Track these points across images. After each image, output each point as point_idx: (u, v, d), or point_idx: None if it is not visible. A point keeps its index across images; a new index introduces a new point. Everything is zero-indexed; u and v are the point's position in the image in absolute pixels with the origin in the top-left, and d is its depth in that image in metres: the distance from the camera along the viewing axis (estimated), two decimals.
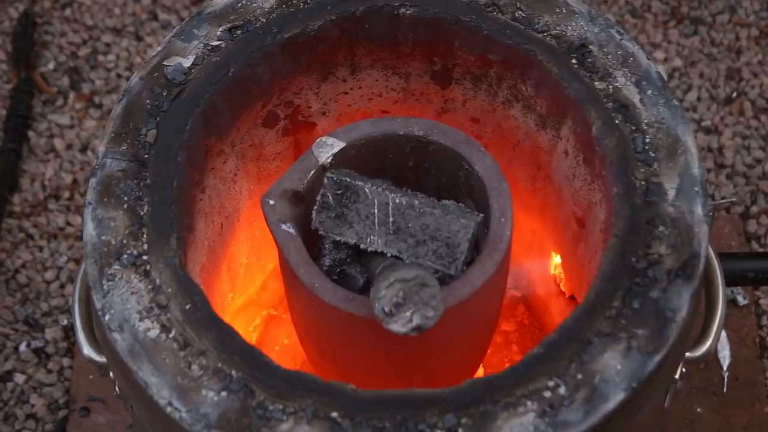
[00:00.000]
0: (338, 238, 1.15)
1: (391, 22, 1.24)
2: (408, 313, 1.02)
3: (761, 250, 1.75)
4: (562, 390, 1.02)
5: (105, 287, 1.09)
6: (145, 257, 1.10)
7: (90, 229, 1.11)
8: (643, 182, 1.12)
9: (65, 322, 1.72)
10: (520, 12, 1.22)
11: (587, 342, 1.04)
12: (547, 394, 1.02)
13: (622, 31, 1.21)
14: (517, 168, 1.30)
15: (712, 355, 1.18)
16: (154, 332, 1.06)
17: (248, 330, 1.42)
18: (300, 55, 1.24)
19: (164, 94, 1.19)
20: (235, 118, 1.23)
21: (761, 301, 1.70)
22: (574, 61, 1.19)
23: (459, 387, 1.02)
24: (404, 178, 1.24)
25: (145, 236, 1.11)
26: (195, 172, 1.18)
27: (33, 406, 1.65)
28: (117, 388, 1.15)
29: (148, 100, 1.18)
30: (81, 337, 1.16)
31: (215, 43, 1.22)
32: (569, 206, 1.25)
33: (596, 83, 1.18)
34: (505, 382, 1.02)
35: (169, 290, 1.08)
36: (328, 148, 1.17)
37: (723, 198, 1.78)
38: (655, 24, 1.98)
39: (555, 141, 1.24)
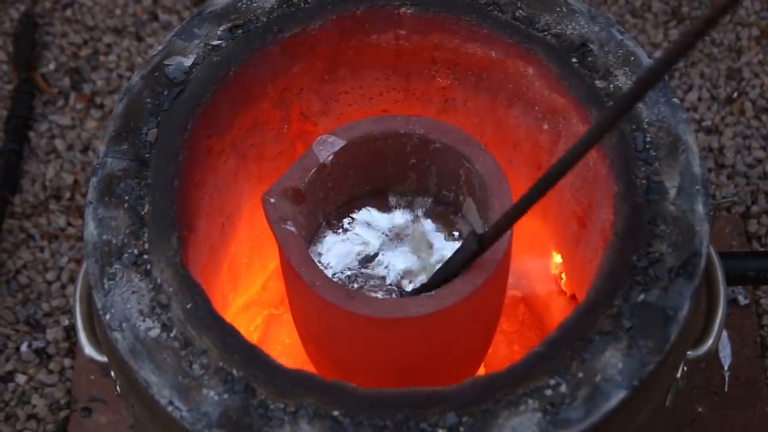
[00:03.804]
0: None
1: (391, 21, 1.24)
2: None
3: (762, 249, 1.75)
4: (563, 388, 1.02)
5: (106, 286, 1.09)
6: (146, 256, 1.10)
7: (91, 229, 1.11)
8: (644, 181, 1.12)
9: (66, 322, 1.72)
10: (520, 11, 1.22)
11: (588, 340, 1.04)
12: (549, 392, 1.02)
13: (622, 30, 1.21)
14: (517, 167, 1.30)
15: (713, 354, 1.18)
16: (155, 331, 1.06)
17: (249, 330, 1.42)
18: (301, 54, 1.24)
19: (165, 93, 1.19)
20: (236, 118, 1.23)
21: (762, 301, 1.70)
22: (574, 60, 1.19)
23: (460, 386, 1.02)
24: (405, 177, 1.25)
25: (146, 235, 1.11)
26: (196, 172, 1.18)
27: (34, 406, 1.66)
28: (118, 388, 1.15)
29: (149, 100, 1.18)
30: (82, 336, 1.16)
31: (216, 42, 1.22)
32: (570, 205, 1.25)
33: (597, 82, 1.18)
34: (507, 381, 1.02)
35: (170, 289, 1.08)
36: (328, 146, 1.18)
37: (724, 197, 1.78)
38: (656, 24, 1.98)
39: (555, 140, 1.24)
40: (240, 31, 1.22)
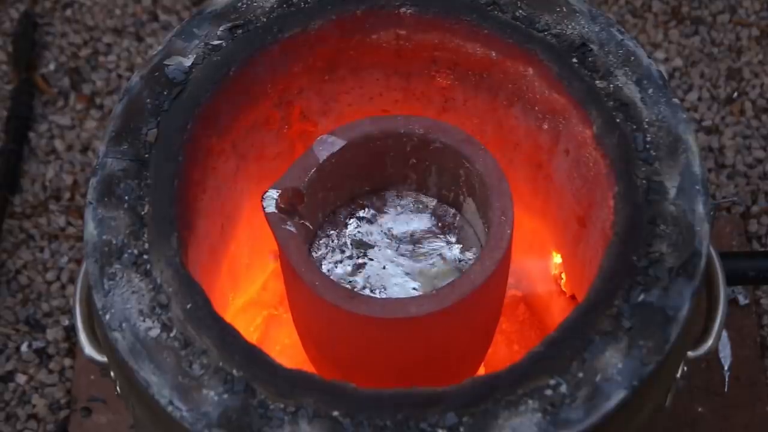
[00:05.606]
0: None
1: (391, 21, 1.24)
2: None
3: (762, 249, 1.75)
4: (563, 388, 1.02)
5: (106, 287, 1.09)
6: (145, 256, 1.10)
7: (91, 229, 1.11)
8: (644, 181, 1.12)
9: (66, 322, 1.72)
10: (520, 11, 1.22)
11: (588, 341, 1.04)
12: (549, 392, 1.02)
13: (622, 29, 1.21)
14: (517, 167, 1.30)
15: (713, 354, 1.18)
16: (155, 331, 1.06)
17: (249, 330, 1.42)
18: (301, 54, 1.24)
19: (165, 93, 1.19)
20: (236, 118, 1.23)
21: (762, 301, 1.70)
22: (574, 60, 1.19)
23: (460, 386, 1.02)
24: (405, 177, 1.25)
25: (145, 236, 1.11)
26: (196, 172, 1.18)
27: (34, 406, 1.66)
28: (118, 388, 1.15)
29: (148, 100, 1.18)
30: (82, 336, 1.16)
31: (216, 42, 1.22)
32: (570, 205, 1.25)
33: (597, 82, 1.18)
34: (507, 381, 1.02)
35: (170, 289, 1.08)
36: (328, 146, 1.18)
37: (724, 197, 1.78)
38: (656, 24, 1.98)
39: (556, 140, 1.24)
40: (240, 31, 1.22)
